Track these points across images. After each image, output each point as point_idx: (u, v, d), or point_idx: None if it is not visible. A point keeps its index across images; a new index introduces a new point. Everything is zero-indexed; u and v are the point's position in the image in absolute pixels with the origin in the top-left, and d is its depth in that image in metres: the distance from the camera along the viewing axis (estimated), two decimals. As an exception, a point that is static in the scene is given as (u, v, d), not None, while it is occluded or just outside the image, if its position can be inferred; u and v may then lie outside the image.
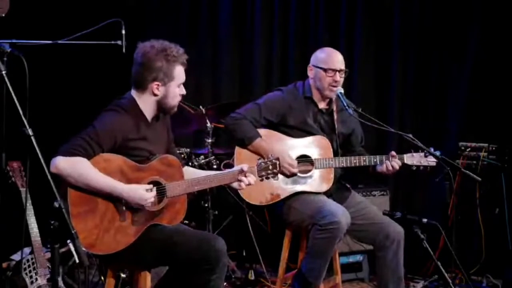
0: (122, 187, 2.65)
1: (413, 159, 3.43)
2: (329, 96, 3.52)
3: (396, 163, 3.40)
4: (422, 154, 3.41)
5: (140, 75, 2.80)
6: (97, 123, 2.71)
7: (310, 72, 3.54)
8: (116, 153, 2.71)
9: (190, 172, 3.01)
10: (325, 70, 3.45)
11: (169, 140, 3.03)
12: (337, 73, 3.45)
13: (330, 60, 3.47)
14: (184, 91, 2.90)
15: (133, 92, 2.86)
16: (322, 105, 3.57)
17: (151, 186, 2.73)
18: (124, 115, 2.77)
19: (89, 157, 2.62)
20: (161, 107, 2.87)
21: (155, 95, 2.82)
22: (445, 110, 4.81)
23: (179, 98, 2.89)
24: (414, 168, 3.45)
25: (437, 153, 3.36)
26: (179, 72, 2.84)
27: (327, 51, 3.54)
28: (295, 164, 3.41)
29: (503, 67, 4.58)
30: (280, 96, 3.55)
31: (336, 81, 3.45)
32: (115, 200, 2.67)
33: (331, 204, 3.35)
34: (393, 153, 3.42)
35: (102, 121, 2.73)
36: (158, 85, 2.80)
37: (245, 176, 2.93)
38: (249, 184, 2.96)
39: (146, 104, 2.84)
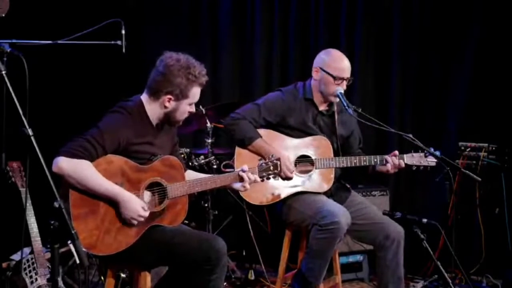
0: (121, 195, 2.64)
1: (413, 159, 3.43)
2: (332, 100, 3.51)
3: (399, 162, 3.39)
4: (422, 154, 3.41)
5: (157, 84, 2.79)
6: (102, 125, 2.70)
7: (316, 74, 3.50)
8: (118, 155, 2.71)
9: (191, 176, 3.01)
10: (334, 77, 3.42)
11: (173, 144, 3.03)
12: (344, 81, 3.45)
13: (340, 67, 3.43)
14: (193, 109, 2.90)
15: (144, 97, 2.85)
16: (322, 107, 3.56)
17: (147, 206, 2.71)
18: (130, 118, 2.76)
19: (92, 159, 2.61)
20: (168, 119, 2.86)
21: (165, 107, 2.81)
22: (445, 110, 4.81)
23: (186, 115, 2.89)
24: (414, 168, 3.45)
25: (437, 153, 3.35)
26: (195, 93, 2.84)
27: (336, 56, 3.49)
28: (292, 168, 3.40)
29: (503, 67, 4.57)
30: (280, 97, 3.54)
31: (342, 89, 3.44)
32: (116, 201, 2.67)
33: (331, 204, 3.35)
34: (396, 152, 3.42)
35: (107, 123, 2.72)
36: (170, 99, 2.79)
37: (244, 175, 2.94)
38: (254, 181, 2.96)
39: (154, 112, 2.83)
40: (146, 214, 2.70)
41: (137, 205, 2.67)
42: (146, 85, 2.85)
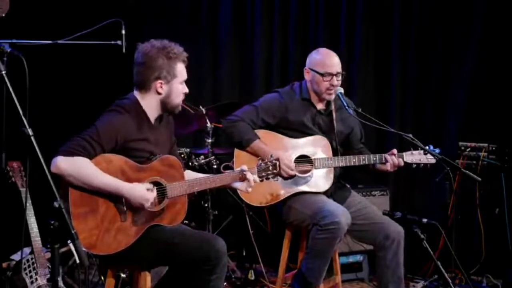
0: (123, 186, 2.65)
1: (413, 157, 3.43)
2: (327, 99, 3.51)
3: (398, 161, 3.40)
4: (422, 151, 3.40)
5: (143, 75, 2.80)
6: (98, 123, 2.71)
7: (307, 75, 3.52)
8: (117, 153, 2.71)
9: (190, 176, 3.01)
10: (322, 74, 3.43)
11: (171, 144, 3.03)
12: (334, 77, 3.43)
13: (326, 64, 3.44)
14: (186, 89, 2.90)
15: (136, 93, 2.85)
16: (320, 106, 3.56)
17: (151, 185, 2.72)
18: (126, 115, 2.77)
19: (90, 157, 2.62)
20: (165, 107, 2.87)
21: (159, 93, 2.82)
22: (445, 110, 4.81)
23: (182, 97, 2.90)
24: (414, 166, 3.45)
25: (437, 150, 3.35)
26: (181, 69, 2.85)
27: (323, 53, 3.51)
28: (292, 166, 3.40)
29: (503, 67, 4.57)
30: (277, 98, 3.54)
31: (333, 85, 3.44)
32: (116, 200, 2.67)
33: (332, 204, 3.35)
34: (395, 151, 3.42)
35: (104, 121, 2.73)
36: (161, 83, 2.80)
37: (248, 174, 2.95)
38: (254, 182, 2.97)
39: (150, 104, 2.84)
40: (154, 194, 2.70)
41: (142, 188, 2.67)
42: (134, 83, 2.86)
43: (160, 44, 2.81)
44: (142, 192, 2.67)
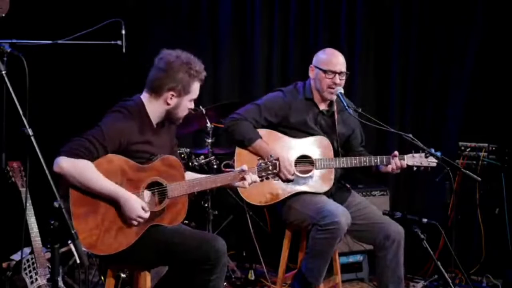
0: (122, 194, 2.64)
1: (414, 160, 3.43)
2: (328, 98, 3.51)
3: (401, 162, 3.40)
4: (423, 154, 3.41)
5: (160, 81, 2.80)
6: (103, 125, 2.70)
7: (311, 73, 3.53)
8: (119, 154, 2.71)
9: (190, 177, 3.00)
10: (324, 71, 3.44)
11: (172, 146, 3.03)
12: (337, 75, 3.44)
13: (330, 61, 3.46)
14: (193, 106, 2.91)
15: (144, 96, 2.85)
16: (322, 107, 3.56)
17: (147, 206, 2.70)
18: (130, 118, 2.76)
19: (93, 158, 2.62)
20: (169, 116, 2.87)
21: (167, 104, 2.82)
22: (445, 110, 4.80)
23: (187, 112, 2.91)
24: (415, 169, 3.45)
25: (438, 153, 3.35)
26: (196, 88, 2.86)
27: (329, 52, 3.53)
28: (292, 170, 3.40)
29: (503, 67, 4.57)
30: (280, 97, 3.54)
31: (335, 83, 3.44)
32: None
33: (332, 204, 3.35)
34: (396, 153, 3.42)
35: (108, 123, 2.72)
36: (173, 95, 2.81)
37: (247, 175, 2.95)
38: (254, 181, 2.98)
39: (155, 110, 2.84)
40: (146, 215, 2.69)
41: (137, 204, 2.66)
42: (146, 84, 2.85)
43: (185, 58, 2.81)
44: (135, 207, 2.65)
